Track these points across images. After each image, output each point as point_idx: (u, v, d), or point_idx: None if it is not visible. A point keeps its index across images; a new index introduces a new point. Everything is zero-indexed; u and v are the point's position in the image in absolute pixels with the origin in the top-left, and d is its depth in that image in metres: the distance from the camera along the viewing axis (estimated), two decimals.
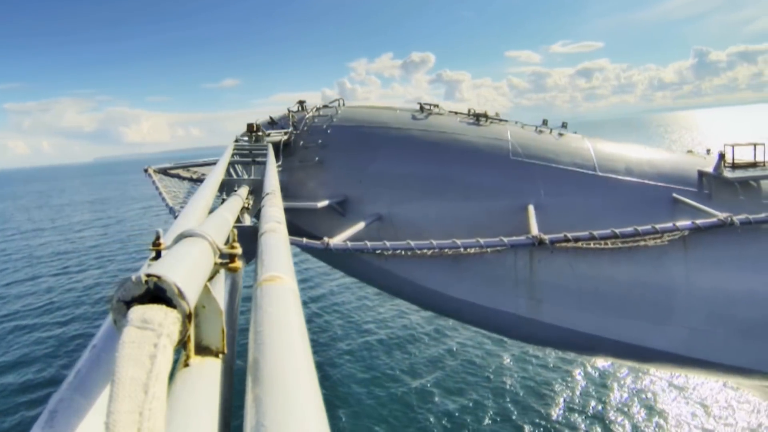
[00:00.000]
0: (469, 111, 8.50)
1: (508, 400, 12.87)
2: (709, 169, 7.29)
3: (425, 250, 6.10)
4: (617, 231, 5.92)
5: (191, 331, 1.02)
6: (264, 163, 4.87)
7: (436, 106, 8.77)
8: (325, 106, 8.72)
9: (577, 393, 13.10)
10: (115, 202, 63.79)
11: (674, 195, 6.96)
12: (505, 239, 5.96)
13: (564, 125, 8.54)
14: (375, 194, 7.48)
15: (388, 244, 6.10)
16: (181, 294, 0.83)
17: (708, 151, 8.98)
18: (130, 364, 0.63)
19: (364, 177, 7.64)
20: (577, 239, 5.92)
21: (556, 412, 12.31)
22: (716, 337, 6.11)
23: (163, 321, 0.75)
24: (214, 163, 8.97)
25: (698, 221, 5.98)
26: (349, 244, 6.22)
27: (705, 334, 6.13)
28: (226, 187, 3.84)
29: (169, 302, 0.82)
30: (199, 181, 8.54)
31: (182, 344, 0.96)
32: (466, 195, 7.13)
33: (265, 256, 1.44)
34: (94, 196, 77.04)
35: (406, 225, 7.06)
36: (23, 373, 15.47)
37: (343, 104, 8.68)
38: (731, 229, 5.95)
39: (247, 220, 3.09)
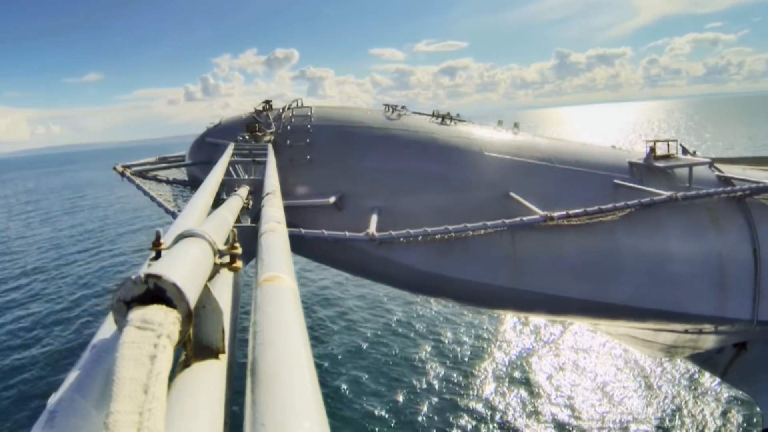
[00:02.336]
0: (433, 113, 9.38)
1: (509, 392, 12.91)
2: (637, 160, 8.98)
3: (452, 234, 6.98)
4: (602, 207, 7.28)
5: (191, 331, 1.02)
6: (264, 163, 4.88)
7: (404, 107, 9.47)
8: (289, 107, 9.08)
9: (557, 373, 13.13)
10: None
11: (615, 181, 8.40)
12: (525, 218, 6.99)
13: (516, 125, 9.69)
14: (371, 190, 7.86)
15: (429, 230, 6.86)
16: (181, 294, 0.83)
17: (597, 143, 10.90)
18: (130, 364, 0.63)
19: (358, 174, 7.99)
20: (576, 215, 7.14)
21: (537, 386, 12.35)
22: (654, 288, 7.68)
23: (163, 321, 0.75)
24: (177, 163, 8.99)
25: (655, 198, 7.52)
26: (393, 233, 6.79)
27: (646, 287, 7.66)
28: (226, 187, 3.84)
29: (169, 302, 0.82)
30: (179, 183, 8.59)
31: (182, 344, 0.96)
32: (455, 187, 7.92)
33: (265, 256, 1.45)
34: None
35: (404, 216, 7.53)
36: (22, 372, 15.50)
37: (302, 104, 9.14)
38: (664, 207, 7.59)
39: (248, 220, 3.09)
